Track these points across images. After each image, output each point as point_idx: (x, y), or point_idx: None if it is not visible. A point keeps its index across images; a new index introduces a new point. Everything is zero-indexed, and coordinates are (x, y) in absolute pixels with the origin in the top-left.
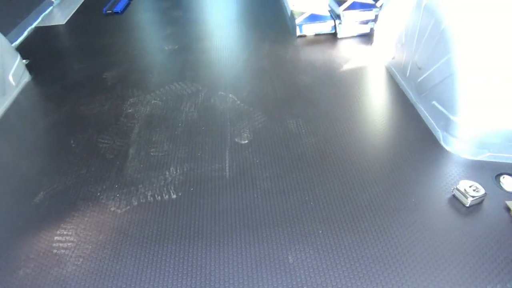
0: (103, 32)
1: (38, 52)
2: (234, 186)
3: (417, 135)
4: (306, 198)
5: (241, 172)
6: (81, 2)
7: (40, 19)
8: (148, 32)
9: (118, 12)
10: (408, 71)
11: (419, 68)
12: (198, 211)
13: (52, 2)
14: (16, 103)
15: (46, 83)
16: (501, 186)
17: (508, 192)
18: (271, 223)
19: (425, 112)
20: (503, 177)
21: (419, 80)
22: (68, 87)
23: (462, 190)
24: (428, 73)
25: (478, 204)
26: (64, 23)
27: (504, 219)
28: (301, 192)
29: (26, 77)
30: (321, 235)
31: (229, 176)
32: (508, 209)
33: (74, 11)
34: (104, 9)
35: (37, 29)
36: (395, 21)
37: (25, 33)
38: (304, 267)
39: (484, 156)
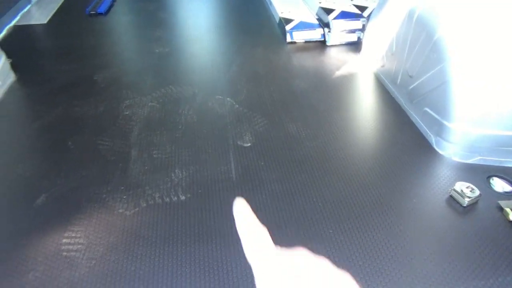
0: (88, 33)
1: (21, 51)
2: (242, 188)
3: (410, 139)
4: (314, 199)
5: (247, 174)
6: (61, 2)
7: (18, 17)
8: (135, 34)
9: (102, 13)
10: (399, 79)
11: (411, 76)
12: (208, 213)
13: (30, 0)
14: (2, 104)
15: (33, 84)
16: (492, 187)
17: (498, 193)
18: (281, 223)
19: (417, 117)
20: (493, 179)
21: (410, 87)
22: (58, 89)
23: (459, 190)
24: (420, 81)
25: (473, 204)
26: (45, 22)
27: (497, 217)
28: (308, 193)
29: (11, 77)
30: (332, 234)
31: (236, 178)
32: (500, 208)
33: (54, 10)
34: (87, 9)
35: (17, 27)
36: (384, 31)
37: (4, 32)
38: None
39: (475, 160)
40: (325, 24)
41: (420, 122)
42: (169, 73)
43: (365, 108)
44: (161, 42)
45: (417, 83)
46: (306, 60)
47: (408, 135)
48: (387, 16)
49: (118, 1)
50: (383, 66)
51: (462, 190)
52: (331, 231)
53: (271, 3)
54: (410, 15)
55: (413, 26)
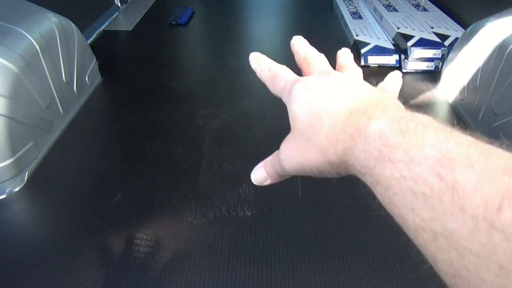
0: (169, 42)
1: (107, 55)
2: (308, 210)
3: None
4: (382, 233)
5: (314, 196)
6: (145, 11)
7: (107, 23)
8: (212, 46)
9: (182, 24)
10: (481, 115)
11: (495, 114)
12: (273, 232)
13: (119, 8)
14: (89, 102)
15: (116, 86)
16: None
17: None
18: (347, 252)
19: None
20: None
21: (494, 125)
22: (139, 93)
23: None
24: (507, 119)
25: None
26: (130, 29)
27: None
28: (378, 226)
29: (98, 79)
30: (400, 272)
31: (302, 198)
32: None
33: (139, 18)
34: (169, 19)
35: (105, 32)
36: (467, 63)
37: (94, 35)
38: None
39: None
40: (402, 50)
41: None
42: (242, 87)
43: None
44: (235, 56)
45: (503, 121)
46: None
47: None
48: (473, 48)
49: (197, 13)
50: (462, 99)
51: None
52: (399, 269)
53: (346, 24)
54: (501, 48)
55: (504, 60)
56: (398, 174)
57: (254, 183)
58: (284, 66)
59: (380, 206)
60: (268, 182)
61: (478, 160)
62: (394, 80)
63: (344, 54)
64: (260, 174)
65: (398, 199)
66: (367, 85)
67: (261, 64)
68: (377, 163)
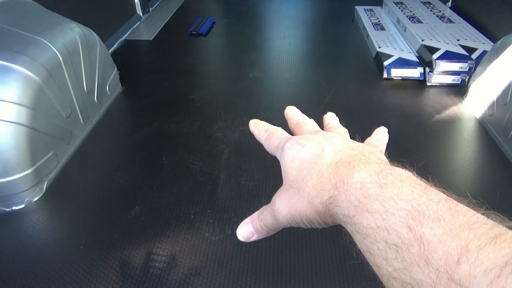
0: (189, 52)
1: (128, 64)
2: (327, 230)
3: None
4: None
5: None
6: (166, 20)
7: (129, 32)
8: (231, 56)
9: (202, 34)
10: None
11: None
12: (293, 252)
13: (140, 17)
14: (108, 112)
15: (136, 96)
16: None
17: None
18: (369, 277)
19: None
20: None
21: None
22: (158, 103)
23: None
24: None
25: None
26: (151, 39)
27: None
28: None
29: (118, 88)
30: None
31: None
32: None
33: (160, 28)
34: (190, 29)
35: (127, 41)
36: (496, 77)
37: (116, 45)
38: None
39: None
40: (426, 63)
41: None
42: (262, 99)
43: (468, 159)
44: (255, 67)
45: None
46: (403, 99)
47: None
48: (503, 62)
49: (217, 23)
50: (491, 115)
51: None
52: None
53: (368, 35)
54: None
55: None
56: (374, 224)
57: (240, 239)
58: (279, 128)
59: (358, 254)
60: (254, 237)
61: (444, 215)
62: (380, 135)
63: (331, 117)
64: (247, 230)
65: (374, 248)
66: (352, 141)
67: (258, 126)
68: (357, 213)
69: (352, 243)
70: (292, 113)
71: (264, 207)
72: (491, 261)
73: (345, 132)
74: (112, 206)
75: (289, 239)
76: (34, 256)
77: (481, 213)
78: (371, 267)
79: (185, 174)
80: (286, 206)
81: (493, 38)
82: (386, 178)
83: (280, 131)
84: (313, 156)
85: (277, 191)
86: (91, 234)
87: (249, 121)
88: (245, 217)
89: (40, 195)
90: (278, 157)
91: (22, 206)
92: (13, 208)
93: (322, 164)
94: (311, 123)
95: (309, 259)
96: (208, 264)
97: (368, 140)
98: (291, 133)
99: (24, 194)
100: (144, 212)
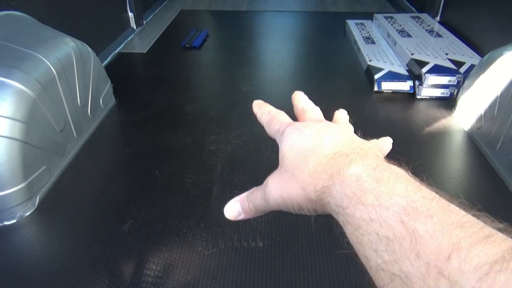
0: (182, 65)
1: (121, 77)
2: (322, 241)
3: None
4: None
5: (327, 227)
6: (160, 34)
7: (123, 45)
8: (224, 69)
9: (196, 47)
10: (499, 145)
11: None
12: (286, 264)
13: (134, 30)
14: (102, 125)
15: (130, 109)
16: None
17: None
18: (362, 286)
19: None
20: None
21: None
22: (152, 116)
23: None
24: None
25: None
26: (145, 51)
27: None
28: None
29: (112, 101)
30: None
31: (315, 230)
32: None
33: (154, 41)
34: (183, 42)
35: (120, 54)
36: (484, 91)
37: (109, 58)
38: None
39: None
40: (416, 76)
41: None
42: None
43: (457, 172)
44: (248, 80)
45: None
46: (393, 112)
47: (507, 210)
48: (490, 76)
49: (211, 36)
50: (479, 128)
51: None
52: None
53: (359, 49)
54: None
55: None
56: (367, 217)
57: (227, 217)
58: (282, 112)
59: (348, 245)
60: (241, 217)
61: (437, 213)
62: (384, 141)
63: (342, 114)
64: (235, 209)
65: (365, 240)
66: (353, 135)
67: (261, 108)
68: (350, 204)
69: (343, 234)
70: (299, 98)
71: (254, 188)
72: (481, 259)
73: (350, 127)
74: (105, 220)
75: (285, 253)
76: (26, 273)
77: (471, 214)
78: (359, 258)
79: (179, 187)
80: (278, 190)
81: (480, 52)
82: (381, 174)
83: (282, 115)
84: (312, 144)
85: (271, 174)
86: (83, 249)
87: (241, 131)
88: (239, 231)
89: (32, 209)
90: (278, 141)
91: (14, 221)
92: (5, 223)
93: (320, 153)
94: (316, 111)
95: (304, 275)
96: (201, 279)
97: (374, 140)
98: (295, 118)
99: (16, 209)
100: (137, 226)
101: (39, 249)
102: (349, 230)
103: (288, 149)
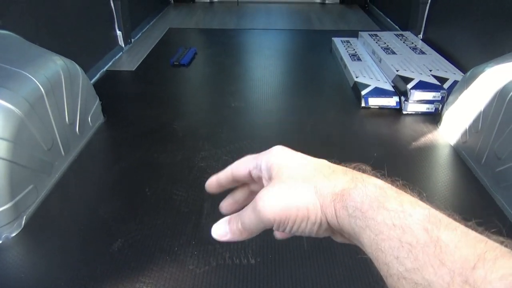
0: (171, 82)
1: (110, 95)
2: (314, 258)
3: (499, 228)
4: None
5: (320, 244)
6: (148, 51)
7: (111, 63)
8: (213, 86)
9: (184, 64)
10: (484, 159)
11: (499, 158)
12: (278, 282)
13: (122, 48)
14: (90, 143)
15: (118, 126)
16: None
17: None
18: None
19: (505, 203)
20: None
21: (498, 169)
22: (141, 134)
23: None
24: (510, 165)
25: None
26: (133, 69)
27: None
28: None
29: (101, 119)
30: None
31: (307, 247)
32: None
33: (142, 58)
34: (172, 60)
35: (109, 72)
36: (467, 106)
37: (98, 75)
38: None
39: None
40: (401, 92)
41: (510, 210)
42: (244, 128)
43: (444, 186)
44: (237, 96)
45: (507, 166)
46: (380, 127)
47: (495, 224)
48: (473, 92)
49: (199, 54)
50: (465, 142)
51: None
52: None
53: (345, 66)
54: (502, 94)
55: (506, 106)
56: (390, 222)
57: (213, 235)
58: (238, 161)
59: (361, 254)
60: (227, 237)
61: (460, 227)
62: None
63: None
64: (222, 229)
65: (386, 246)
66: None
67: (220, 176)
68: (371, 208)
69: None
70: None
71: (244, 208)
72: (507, 270)
73: None
74: (94, 240)
75: (277, 270)
76: None
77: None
78: (378, 267)
79: (169, 205)
80: (277, 201)
81: (462, 69)
82: (399, 189)
83: (244, 161)
84: (316, 159)
85: (261, 191)
86: (72, 270)
87: (231, 147)
88: (230, 248)
89: (19, 230)
90: (264, 162)
91: (0, 242)
92: None
93: (331, 165)
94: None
95: None
96: None
97: None
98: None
99: (1, 229)
100: (127, 245)
101: (25, 271)
102: (367, 235)
103: (286, 161)
